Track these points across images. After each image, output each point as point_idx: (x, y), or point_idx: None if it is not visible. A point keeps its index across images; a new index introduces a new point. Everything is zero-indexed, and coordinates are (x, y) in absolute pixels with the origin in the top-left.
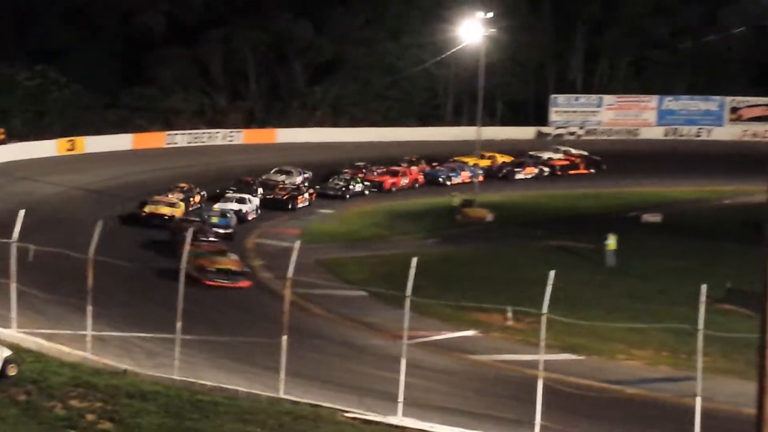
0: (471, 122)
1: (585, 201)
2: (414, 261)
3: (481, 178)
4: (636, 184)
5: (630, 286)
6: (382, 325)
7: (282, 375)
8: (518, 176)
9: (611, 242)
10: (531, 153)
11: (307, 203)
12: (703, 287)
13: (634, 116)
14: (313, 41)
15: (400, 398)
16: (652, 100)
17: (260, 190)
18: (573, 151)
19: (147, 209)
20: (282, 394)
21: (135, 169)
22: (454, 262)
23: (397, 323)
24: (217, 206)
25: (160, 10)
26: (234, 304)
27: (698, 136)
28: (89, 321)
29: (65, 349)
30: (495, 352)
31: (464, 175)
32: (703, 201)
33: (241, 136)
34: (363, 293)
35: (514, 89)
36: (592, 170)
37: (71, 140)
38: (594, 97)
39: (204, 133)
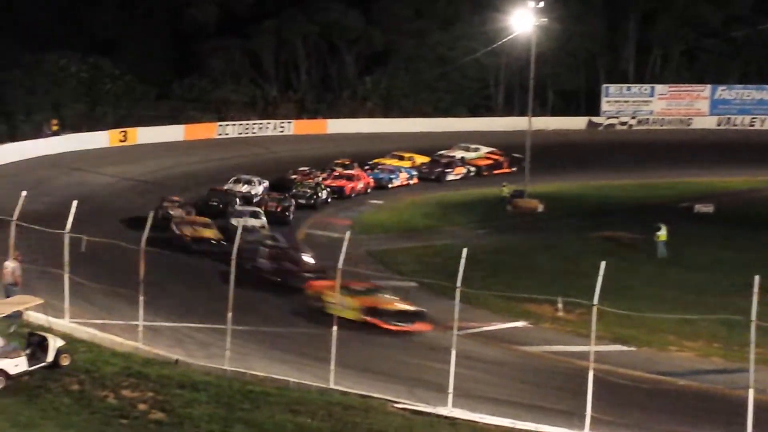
0: (522, 112)
1: (636, 191)
2: (464, 252)
3: (415, 180)
4: (686, 174)
5: (681, 277)
6: (433, 316)
7: (332, 366)
8: (449, 177)
9: (662, 233)
10: (441, 153)
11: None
12: (756, 278)
13: (686, 106)
14: (363, 32)
15: (450, 389)
16: (705, 90)
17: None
18: (484, 149)
19: (188, 233)
20: (332, 385)
21: (187, 160)
22: (504, 253)
23: (447, 314)
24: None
25: (213, 2)
26: (284, 295)
27: (752, 125)
28: (141, 311)
29: (117, 339)
30: (545, 343)
31: (403, 177)
32: (755, 191)
33: (291, 127)
34: (413, 284)
35: (565, 79)
36: (515, 168)
37: (123, 131)
38: (646, 86)
39: (255, 123)
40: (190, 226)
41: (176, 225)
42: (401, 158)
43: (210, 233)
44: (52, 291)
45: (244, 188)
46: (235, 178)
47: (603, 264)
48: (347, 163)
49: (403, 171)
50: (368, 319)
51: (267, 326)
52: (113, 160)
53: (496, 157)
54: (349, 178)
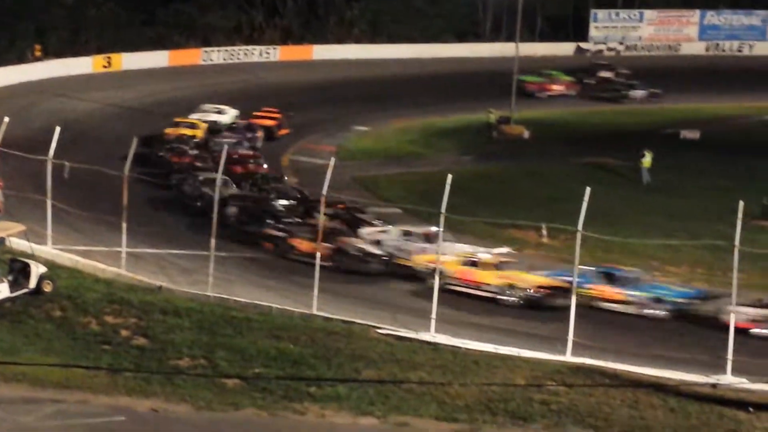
0: (510, 38)
1: (622, 118)
2: (449, 178)
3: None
4: (673, 100)
5: (666, 204)
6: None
7: (315, 292)
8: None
9: (647, 159)
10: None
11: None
12: (740, 204)
13: (675, 32)
14: None
15: (433, 315)
16: (694, 15)
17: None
18: (232, 111)
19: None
20: (315, 311)
21: (171, 86)
22: (489, 180)
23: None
24: None
25: None
26: None
27: (740, 51)
28: (124, 238)
29: (100, 265)
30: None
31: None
32: (743, 117)
33: (277, 53)
34: (398, 210)
35: (554, 4)
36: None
37: (108, 57)
38: (635, 12)
39: (240, 49)
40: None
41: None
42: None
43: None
44: (34, 217)
45: (213, 118)
46: (201, 107)
47: (588, 190)
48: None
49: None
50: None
51: (251, 253)
52: (97, 86)
53: (271, 116)
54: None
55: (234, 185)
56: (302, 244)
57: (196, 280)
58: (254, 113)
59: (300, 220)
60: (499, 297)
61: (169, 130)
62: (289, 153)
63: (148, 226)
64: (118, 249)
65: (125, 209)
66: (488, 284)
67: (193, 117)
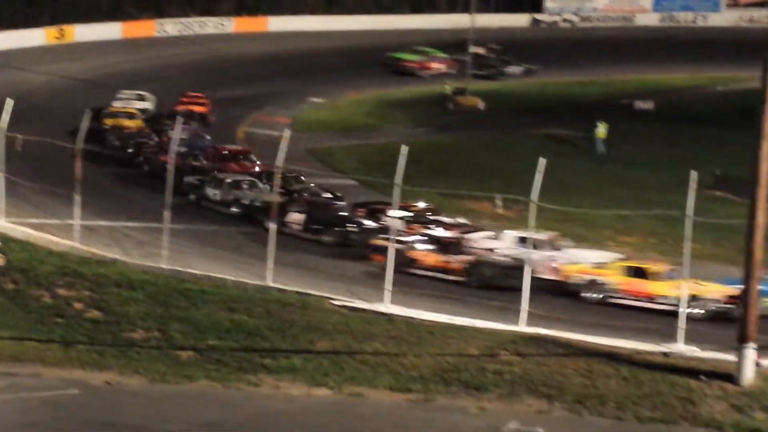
0: (465, 9)
1: (578, 89)
2: (404, 149)
3: None
4: (628, 71)
5: (620, 174)
6: None
7: (270, 264)
8: None
9: (601, 130)
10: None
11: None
12: (693, 174)
13: (629, 3)
14: None
15: (387, 286)
16: None
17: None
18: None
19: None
20: (270, 283)
21: (125, 59)
22: (445, 151)
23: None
24: None
25: None
26: None
27: (694, 22)
28: (77, 211)
29: (53, 238)
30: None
31: None
32: (697, 88)
33: (232, 25)
34: (353, 182)
35: None
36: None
37: (60, 29)
38: None
39: (194, 21)
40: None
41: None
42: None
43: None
44: None
45: (138, 105)
46: (121, 94)
47: (542, 161)
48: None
49: None
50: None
51: (205, 225)
52: (50, 58)
53: (199, 102)
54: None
55: (268, 187)
56: (427, 257)
57: (150, 252)
58: (181, 99)
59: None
60: (679, 310)
61: (108, 121)
62: (244, 125)
63: (102, 198)
64: (72, 222)
65: (78, 182)
66: (664, 296)
67: (117, 105)
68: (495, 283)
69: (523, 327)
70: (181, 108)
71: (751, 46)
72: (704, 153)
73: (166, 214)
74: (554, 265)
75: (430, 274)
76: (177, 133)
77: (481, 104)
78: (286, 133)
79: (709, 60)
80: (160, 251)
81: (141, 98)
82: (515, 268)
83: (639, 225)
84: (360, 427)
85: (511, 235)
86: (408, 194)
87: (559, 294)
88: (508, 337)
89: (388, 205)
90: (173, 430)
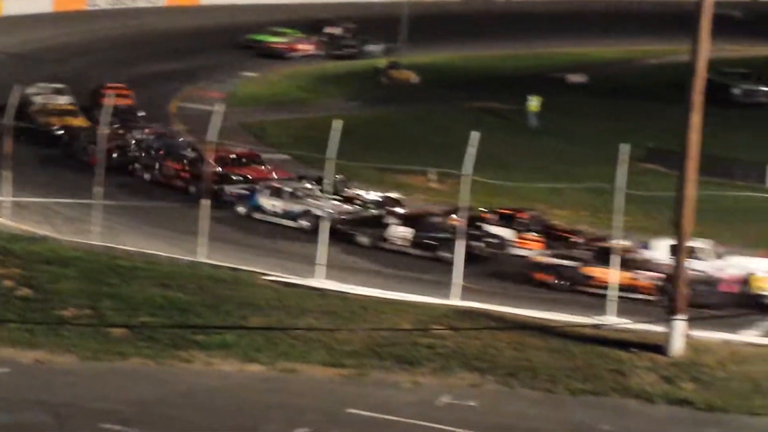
0: None
1: (511, 62)
2: (337, 124)
3: None
4: (562, 44)
5: (552, 147)
6: None
7: (202, 239)
8: None
9: (533, 103)
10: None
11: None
12: (623, 147)
13: None
14: None
15: (319, 260)
16: None
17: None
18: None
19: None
20: (203, 259)
21: (56, 32)
22: (378, 125)
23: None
24: None
25: None
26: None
27: None
28: (7, 187)
29: None
30: None
31: None
32: (630, 61)
33: None
34: (286, 156)
35: None
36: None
37: None
38: None
39: None
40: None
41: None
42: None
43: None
44: None
45: (60, 100)
46: (38, 86)
47: (474, 134)
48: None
49: None
50: None
51: (137, 200)
52: None
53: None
54: None
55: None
56: (607, 274)
57: (81, 229)
58: (102, 91)
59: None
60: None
61: (53, 120)
62: (176, 100)
63: (32, 175)
64: (1, 198)
65: (8, 157)
66: None
67: (38, 99)
68: (704, 302)
69: (456, 301)
70: (105, 101)
71: (683, 19)
72: (637, 126)
73: (97, 189)
74: (736, 276)
75: (613, 293)
76: (104, 127)
77: (414, 78)
78: (219, 108)
79: (643, 33)
80: (91, 227)
81: (59, 92)
82: (710, 284)
83: (571, 198)
84: (293, 403)
85: (663, 244)
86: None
87: (749, 307)
88: (441, 312)
89: (520, 210)
90: (105, 407)
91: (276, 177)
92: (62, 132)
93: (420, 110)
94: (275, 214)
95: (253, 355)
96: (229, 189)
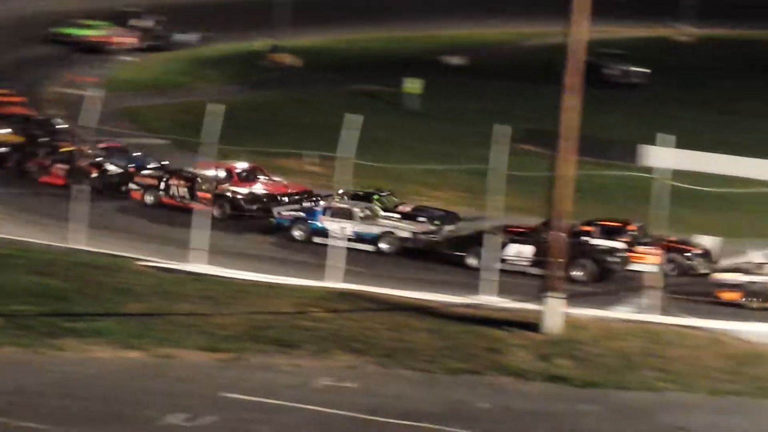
0: None
1: (392, 45)
2: (218, 108)
3: None
4: (442, 26)
5: (433, 129)
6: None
7: (78, 226)
8: None
9: (410, 86)
10: None
11: None
12: (499, 128)
13: None
14: None
15: (197, 245)
16: None
17: None
18: None
19: None
20: (78, 245)
21: None
22: (258, 109)
23: None
24: None
25: None
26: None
27: None
28: None
29: None
30: None
31: None
32: (509, 43)
33: None
34: (164, 141)
35: None
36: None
37: None
38: None
39: None
40: None
41: None
42: None
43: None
44: None
45: None
46: None
47: (352, 117)
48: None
49: None
50: None
51: (9, 189)
52: None
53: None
54: None
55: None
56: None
57: None
58: None
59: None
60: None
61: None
62: (52, 86)
63: None
64: None
65: None
66: None
67: None
68: None
69: (335, 283)
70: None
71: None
72: (516, 107)
73: None
74: None
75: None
76: None
77: (295, 61)
78: (98, 93)
79: (523, 15)
80: None
81: None
82: None
83: (450, 179)
84: (170, 388)
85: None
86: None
87: None
88: (319, 294)
89: (626, 222)
90: None
91: (291, 189)
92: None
93: (300, 94)
94: (345, 239)
95: (130, 342)
96: (281, 210)
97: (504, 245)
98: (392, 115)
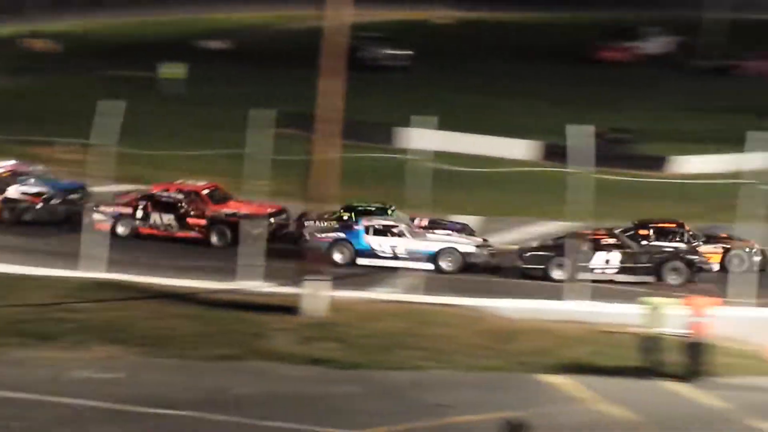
0: None
1: (151, 29)
2: None
3: None
4: (205, 10)
5: (195, 114)
6: None
7: None
8: None
9: (167, 71)
10: None
11: None
12: (257, 112)
13: None
14: None
15: None
16: None
17: None
18: None
19: None
20: None
21: None
22: (12, 96)
23: None
24: None
25: None
26: None
27: None
28: None
29: None
30: None
31: None
32: (271, 26)
33: None
34: None
35: None
36: None
37: None
38: None
39: None
40: None
41: None
42: None
43: None
44: None
45: None
46: None
47: (113, 103)
48: None
49: None
50: None
51: None
52: None
53: None
54: None
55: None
56: None
57: None
58: None
59: None
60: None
61: None
62: None
63: None
64: None
65: None
66: None
67: None
68: None
69: (95, 273)
70: None
71: None
72: (279, 91)
73: None
74: None
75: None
76: None
77: (53, 47)
78: None
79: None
80: None
81: None
82: None
83: (212, 165)
84: None
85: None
86: None
87: None
88: (79, 284)
89: (673, 221)
90: None
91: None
92: None
93: (58, 80)
94: (396, 257)
95: None
96: (313, 232)
97: (589, 254)
98: (152, 101)
